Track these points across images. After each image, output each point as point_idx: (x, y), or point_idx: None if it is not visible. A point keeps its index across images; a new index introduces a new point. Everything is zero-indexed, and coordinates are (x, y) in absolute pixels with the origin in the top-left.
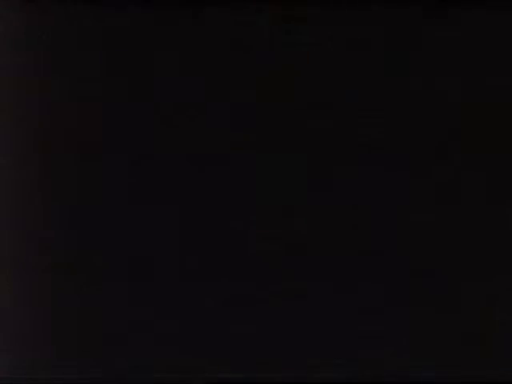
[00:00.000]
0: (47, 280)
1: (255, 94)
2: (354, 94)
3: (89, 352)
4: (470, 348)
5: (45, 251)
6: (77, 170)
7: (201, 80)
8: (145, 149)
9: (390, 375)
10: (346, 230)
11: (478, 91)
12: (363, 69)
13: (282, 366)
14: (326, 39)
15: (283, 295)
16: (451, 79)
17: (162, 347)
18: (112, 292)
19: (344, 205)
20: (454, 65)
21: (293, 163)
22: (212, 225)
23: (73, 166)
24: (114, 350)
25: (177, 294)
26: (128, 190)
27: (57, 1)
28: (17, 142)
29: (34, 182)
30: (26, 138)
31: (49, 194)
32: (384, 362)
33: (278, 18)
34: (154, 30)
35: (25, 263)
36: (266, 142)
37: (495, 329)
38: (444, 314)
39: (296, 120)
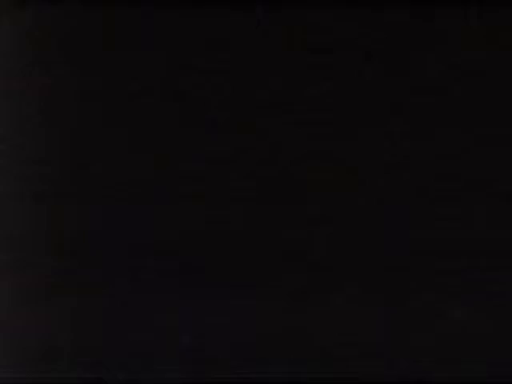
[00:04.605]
0: (47, 280)
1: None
2: (354, 98)
3: (88, 352)
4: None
5: (45, 252)
6: (75, 163)
7: (203, 79)
8: (143, 145)
9: (389, 375)
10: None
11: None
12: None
13: (282, 366)
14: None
15: (283, 297)
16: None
17: (162, 348)
18: (112, 292)
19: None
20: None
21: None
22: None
23: (71, 160)
24: (114, 350)
25: (176, 293)
26: (128, 190)
27: (56, 1)
28: (17, 142)
29: (38, 181)
30: (26, 138)
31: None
32: (383, 363)
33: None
34: (156, 27)
35: (25, 263)
36: (265, 144)
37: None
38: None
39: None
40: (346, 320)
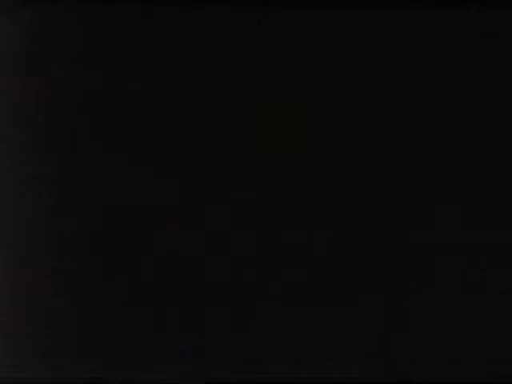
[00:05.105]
0: (47, 280)
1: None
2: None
3: (88, 352)
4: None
5: (46, 252)
6: (76, 167)
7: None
8: (143, 145)
9: (389, 375)
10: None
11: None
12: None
13: (282, 365)
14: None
15: (283, 296)
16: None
17: (162, 347)
18: (112, 292)
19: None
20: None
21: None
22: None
23: (73, 164)
24: (114, 350)
25: (176, 293)
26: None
27: (56, 1)
28: (17, 141)
29: (37, 181)
30: (26, 137)
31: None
32: (384, 363)
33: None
34: (155, 26)
35: (25, 263)
36: (265, 145)
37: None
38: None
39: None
40: (346, 320)
